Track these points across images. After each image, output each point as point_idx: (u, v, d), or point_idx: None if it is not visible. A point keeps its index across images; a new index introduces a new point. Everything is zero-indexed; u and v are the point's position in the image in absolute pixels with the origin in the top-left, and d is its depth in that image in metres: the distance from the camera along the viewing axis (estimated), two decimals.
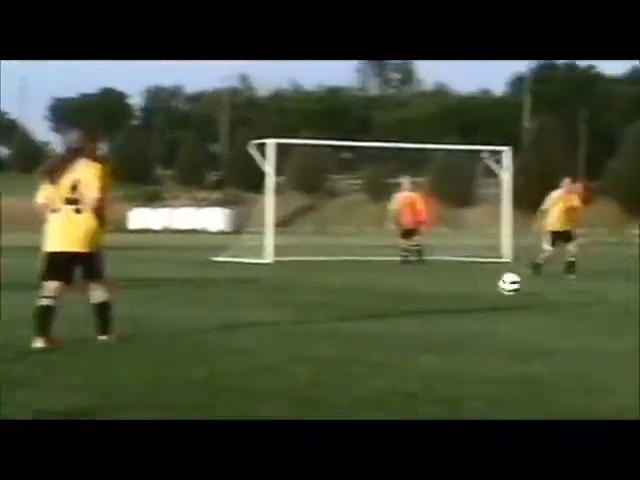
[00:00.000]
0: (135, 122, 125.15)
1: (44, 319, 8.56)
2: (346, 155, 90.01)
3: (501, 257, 28.11)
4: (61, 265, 8.74)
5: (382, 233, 44.77)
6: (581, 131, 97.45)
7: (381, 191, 54.55)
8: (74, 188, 8.75)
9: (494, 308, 12.34)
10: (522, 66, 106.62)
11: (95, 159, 8.97)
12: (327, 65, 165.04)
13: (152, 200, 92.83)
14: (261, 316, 10.97)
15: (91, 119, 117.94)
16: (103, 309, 8.78)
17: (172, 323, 10.17)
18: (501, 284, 15.02)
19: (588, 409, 5.76)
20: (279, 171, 30.62)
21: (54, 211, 8.81)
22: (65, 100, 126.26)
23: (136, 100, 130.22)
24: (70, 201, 8.76)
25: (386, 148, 43.49)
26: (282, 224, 50.52)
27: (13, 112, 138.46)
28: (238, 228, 63.97)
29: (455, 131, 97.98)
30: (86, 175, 8.77)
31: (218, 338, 8.99)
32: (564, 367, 7.34)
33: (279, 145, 29.31)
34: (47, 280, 8.75)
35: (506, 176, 30.25)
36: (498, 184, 31.71)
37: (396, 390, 6.28)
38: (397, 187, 29.69)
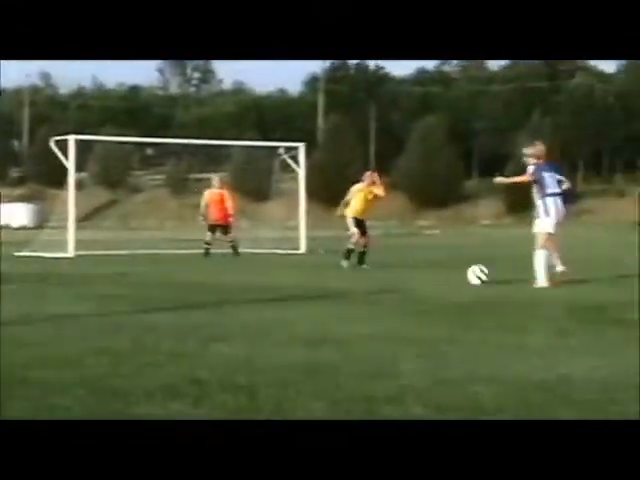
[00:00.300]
0: None
1: None
2: (148, 152, 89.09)
3: (298, 248, 28.38)
4: None
5: (184, 227, 44.51)
6: (371, 129, 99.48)
7: (182, 186, 54.26)
8: None
9: (289, 298, 12.37)
10: (316, 67, 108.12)
11: None
12: (128, 64, 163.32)
13: None
14: (62, 309, 10.69)
15: None
16: None
17: None
18: (475, 275, 14.67)
19: (372, 391, 5.81)
20: (81, 167, 30.05)
21: None
22: None
23: None
24: None
25: (187, 145, 43.25)
26: (84, 219, 49.55)
27: None
28: (40, 223, 62.44)
29: (253, 128, 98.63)
30: None
31: (18, 332, 8.68)
32: (353, 352, 7.41)
33: (81, 142, 28.81)
34: None
35: (301, 171, 30.60)
36: (295, 179, 32.02)
37: (188, 378, 6.20)
38: (202, 183, 29.63)
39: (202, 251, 25.67)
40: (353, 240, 20.57)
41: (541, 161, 14.52)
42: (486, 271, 14.73)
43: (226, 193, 27.14)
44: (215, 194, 26.88)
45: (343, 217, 20.90)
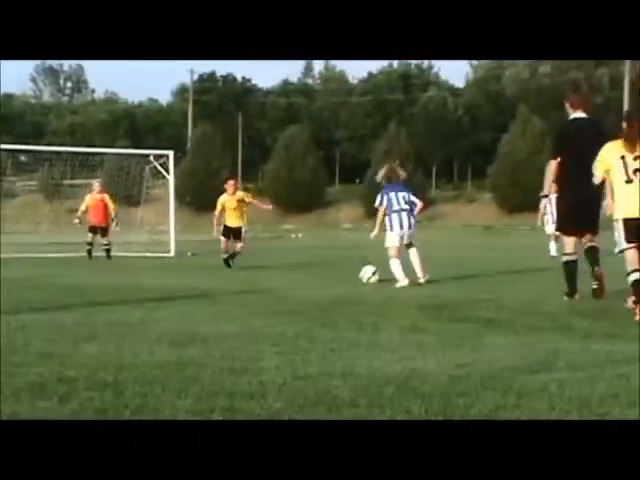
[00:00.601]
0: None
1: None
2: (22, 158, 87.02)
3: (168, 252, 28.17)
4: None
5: (57, 231, 43.61)
6: (239, 137, 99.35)
7: (56, 192, 53.20)
8: None
9: (157, 299, 12.26)
10: (184, 77, 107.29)
11: None
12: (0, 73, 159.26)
13: None
14: None
15: None
16: None
17: None
18: (365, 276, 15.51)
19: (235, 387, 5.81)
20: None
21: None
22: None
23: None
24: None
25: (60, 152, 42.52)
26: None
27: None
28: None
29: (125, 136, 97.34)
30: None
31: None
32: (218, 350, 7.40)
33: None
34: None
35: (171, 178, 30.43)
36: (165, 185, 31.79)
37: (57, 377, 6.10)
38: (75, 189, 29.26)
39: (74, 254, 25.34)
40: (223, 249, 20.84)
41: (393, 181, 15.82)
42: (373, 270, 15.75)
43: (106, 197, 27.04)
44: (96, 199, 27.00)
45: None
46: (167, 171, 30.29)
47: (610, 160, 9.84)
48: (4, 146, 45.46)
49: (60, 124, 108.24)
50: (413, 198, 15.76)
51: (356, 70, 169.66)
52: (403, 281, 14.87)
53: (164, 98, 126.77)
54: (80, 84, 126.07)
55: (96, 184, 27.95)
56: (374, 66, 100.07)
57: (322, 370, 6.38)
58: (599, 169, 10.01)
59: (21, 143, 56.39)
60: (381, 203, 15.66)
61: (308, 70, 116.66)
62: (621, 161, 9.73)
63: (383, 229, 15.62)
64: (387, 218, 15.55)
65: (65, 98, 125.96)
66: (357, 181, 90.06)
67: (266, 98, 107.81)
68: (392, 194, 15.58)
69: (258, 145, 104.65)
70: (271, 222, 75.52)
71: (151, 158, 31.09)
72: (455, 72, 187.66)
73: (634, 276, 9.83)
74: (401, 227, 15.43)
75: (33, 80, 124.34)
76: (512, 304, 11.22)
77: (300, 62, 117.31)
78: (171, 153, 30.44)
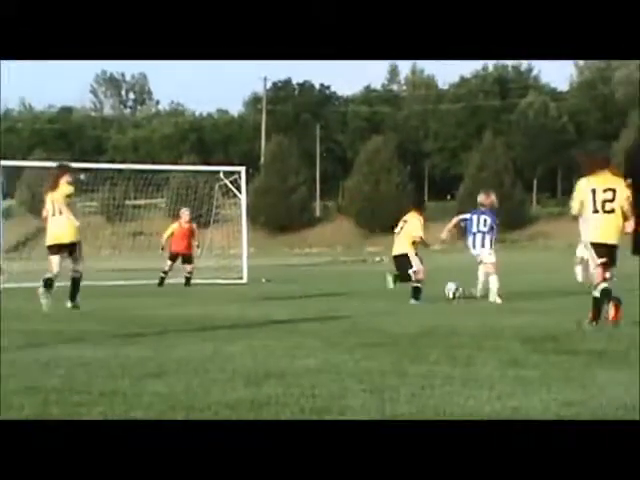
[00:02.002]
0: None
1: None
2: (81, 177, 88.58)
3: (241, 278, 28.38)
4: None
5: (120, 256, 44.28)
6: (317, 150, 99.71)
7: (117, 213, 53.95)
8: None
9: (229, 331, 12.38)
10: (257, 86, 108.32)
11: None
12: (58, 85, 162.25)
13: None
14: None
15: None
16: None
17: None
18: (450, 292, 19.10)
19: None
20: (9, 194, 29.76)
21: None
22: None
23: None
24: None
25: (122, 169, 43.14)
26: (13, 249, 49.08)
27: None
28: None
29: (192, 151, 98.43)
30: None
31: None
32: (298, 387, 7.43)
33: (8, 168, 28.58)
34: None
35: (243, 197, 30.56)
36: (236, 204, 32.02)
37: (121, 417, 6.19)
38: (139, 209, 29.60)
39: (144, 282, 25.73)
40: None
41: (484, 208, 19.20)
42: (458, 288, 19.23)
43: (194, 226, 27.97)
44: (183, 228, 27.57)
45: None
46: (239, 189, 30.53)
47: (584, 193, 12.88)
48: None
49: (122, 139, 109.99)
50: (493, 224, 19.05)
51: (447, 74, 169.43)
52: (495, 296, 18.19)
53: (235, 109, 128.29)
54: (143, 95, 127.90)
55: (186, 213, 28.26)
56: (466, 69, 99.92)
57: (412, 409, 6.38)
58: (575, 201, 13.13)
59: (80, 160, 57.42)
60: (464, 220, 19.48)
61: (393, 75, 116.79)
62: (591, 194, 12.76)
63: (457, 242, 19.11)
64: (468, 238, 19.20)
65: (127, 111, 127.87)
66: (448, 197, 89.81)
67: (347, 107, 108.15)
68: (475, 216, 19.03)
69: (338, 159, 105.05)
70: (352, 244, 75.65)
71: (221, 175, 31.35)
72: (558, 74, 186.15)
73: (602, 286, 12.66)
74: (474, 247, 18.92)
75: (93, 92, 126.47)
76: (626, 334, 11.09)
77: (384, 67, 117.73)
78: (243, 169, 30.68)
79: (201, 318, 14.76)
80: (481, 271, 19.09)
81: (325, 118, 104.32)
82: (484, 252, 18.78)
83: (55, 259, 16.60)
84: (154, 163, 69.52)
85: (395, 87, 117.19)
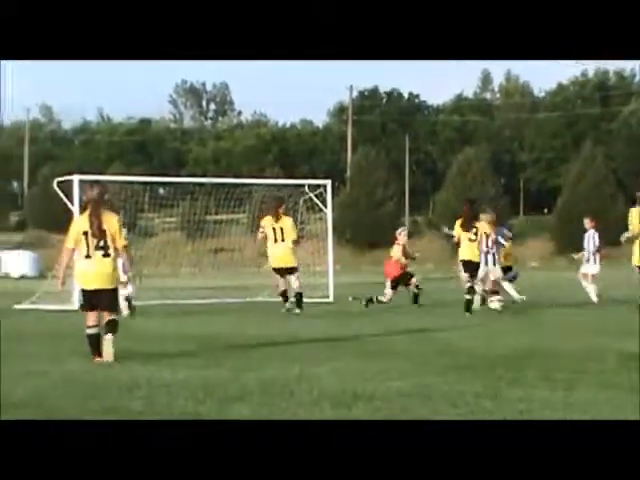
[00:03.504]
0: None
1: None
2: (160, 191, 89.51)
3: (327, 296, 28.38)
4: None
5: (201, 275, 44.65)
6: (405, 162, 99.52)
7: (198, 229, 54.42)
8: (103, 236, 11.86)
9: (315, 352, 12.43)
10: (343, 95, 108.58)
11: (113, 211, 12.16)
12: (137, 96, 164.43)
13: None
14: (58, 368, 10.79)
15: None
16: None
17: None
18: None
19: None
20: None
21: (87, 256, 11.89)
22: None
23: None
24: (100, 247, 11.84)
25: (202, 183, 43.49)
26: None
27: None
28: (43, 272, 62.67)
29: (276, 164, 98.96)
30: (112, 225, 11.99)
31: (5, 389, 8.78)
32: (388, 410, 7.44)
33: (86, 182, 28.91)
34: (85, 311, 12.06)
35: (329, 211, 30.52)
36: (322, 219, 32.06)
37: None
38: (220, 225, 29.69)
39: (226, 300, 25.75)
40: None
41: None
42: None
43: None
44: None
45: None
46: (324, 203, 30.58)
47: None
48: (141, 178, 47.07)
49: (203, 151, 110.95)
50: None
51: (543, 81, 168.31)
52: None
53: (320, 119, 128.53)
54: (225, 106, 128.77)
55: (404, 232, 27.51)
56: (564, 76, 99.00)
57: None
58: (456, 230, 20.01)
59: (159, 174, 57.97)
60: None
61: (486, 82, 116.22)
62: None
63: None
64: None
65: (208, 122, 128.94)
66: (545, 211, 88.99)
67: (437, 116, 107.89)
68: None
69: (427, 171, 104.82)
70: (443, 260, 75.31)
71: (306, 189, 31.43)
72: None
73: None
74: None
75: (173, 102, 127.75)
76: None
77: (476, 74, 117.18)
78: (329, 183, 30.72)
79: (286, 338, 14.85)
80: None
81: (414, 128, 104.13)
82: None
83: (278, 278, 21.86)
84: (236, 176, 69.99)
85: (488, 95, 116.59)
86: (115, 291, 12.20)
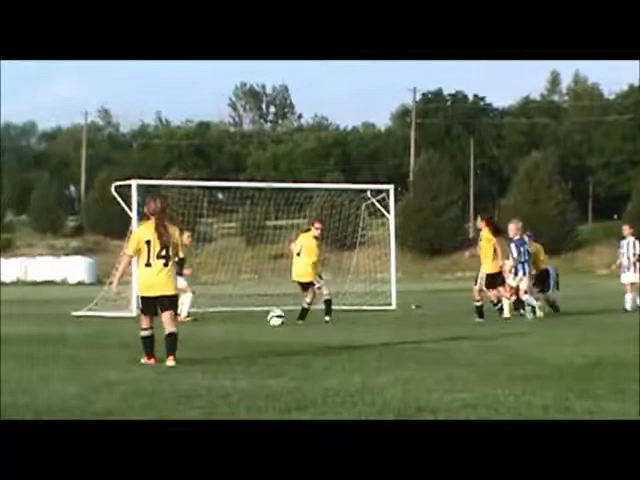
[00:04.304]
0: None
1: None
2: (219, 196, 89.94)
3: (389, 304, 28.36)
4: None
5: (260, 281, 44.80)
6: (470, 167, 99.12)
7: (257, 235, 54.55)
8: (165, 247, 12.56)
9: (378, 361, 12.44)
10: (406, 97, 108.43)
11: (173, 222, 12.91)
12: (196, 98, 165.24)
13: (4, 249, 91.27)
14: (125, 376, 10.89)
15: None
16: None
17: (29, 387, 10.00)
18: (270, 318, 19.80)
19: None
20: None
21: (148, 265, 12.52)
22: None
23: None
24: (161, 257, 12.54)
25: (262, 188, 43.60)
26: None
27: None
28: (100, 278, 63.24)
29: (337, 168, 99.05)
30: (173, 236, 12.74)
31: (72, 402, 8.88)
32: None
33: (145, 186, 29.13)
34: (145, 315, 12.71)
35: (391, 217, 30.50)
36: (384, 225, 32.04)
37: None
38: (280, 231, 29.73)
39: (288, 308, 25.79)
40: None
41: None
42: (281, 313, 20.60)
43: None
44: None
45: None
46: (387, 208, 30.57)
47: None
48: (200, 183, 47.35)
49: (262, 155, 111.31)
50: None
51: (613, 83, 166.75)
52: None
53: (382, 122, 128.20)
54: (285, 109, 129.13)
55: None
56: (634, 77, 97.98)
57: None
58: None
59: (218, 178, 58.20)
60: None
61: (554, 84, 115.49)
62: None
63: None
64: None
65: (268, 125, 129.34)
66: (615, 217, 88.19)
67: (503, 119, 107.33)
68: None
69: (493, 175, 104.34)
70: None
71: (368, 194, 31.43)
72: None
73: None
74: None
75: (232, 105, 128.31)
76: None
77: (544, 75, 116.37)
78: (391, 188, 30.72)
79: (348, 347, 14.86)
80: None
81: (479, 131, 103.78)
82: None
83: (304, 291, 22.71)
84: (296, 181, 70.08)
85: (556, 97, 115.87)
86: (175, 297, 12.95)
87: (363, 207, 32.25)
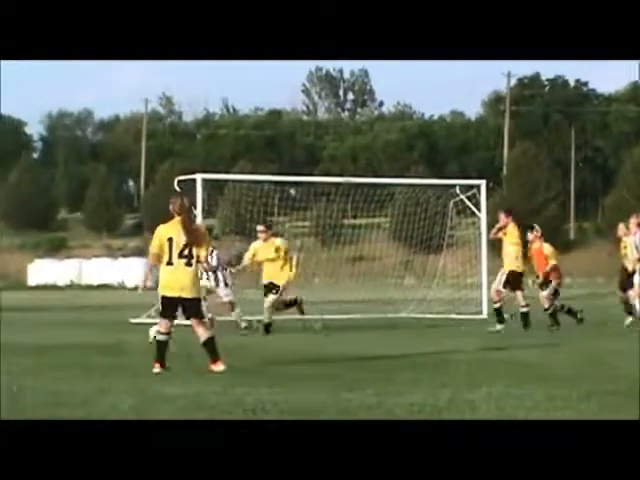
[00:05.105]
0: (34, 155, 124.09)
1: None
2: (292, 192, 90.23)
3: (480, 312, 28.21)
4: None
5: (337, 286, 44.83)
6: (571, 160, 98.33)
7: (334, 234, 54.57)
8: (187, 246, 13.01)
9: (467, 375, 12.43)
10: (499, 83, 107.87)
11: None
12: (266, 85, 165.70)
13: (56, 250, 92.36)
14: (184, 388, 10.99)
15: None
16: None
17: (86, 399, 10.15)
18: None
19: None
20: (211, 212, 30.50)
21: (169, 263, 12.99)
22: None
23: (35, 129, 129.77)
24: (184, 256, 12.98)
25: (339, 183, 43.59)
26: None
27: None
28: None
29: (422, 161, 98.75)
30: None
31: (129, 414, 8.99)
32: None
33: (210, 181, 29.26)
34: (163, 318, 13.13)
35: (483, 215, 30.26)
36: (474, 224, 31.88)
37: None
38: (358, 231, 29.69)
39: (367, 315, 25.87)
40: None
41: None
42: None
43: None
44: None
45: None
46: (477, 206, 30.40)
47: None
48: (270, 177, 47.55)
49: (339, 147, 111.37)
50: None
51: None
52: None
53: (472, 111, 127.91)
54: (364, 96, 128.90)
55: None
56: None
57: None
58: None
59: (291, 173, 58.23)
60: None
61: None
62: None
63: None
64: None
65: (345, 114, 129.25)
66: None
67: (609, 106, 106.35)
68: None
69: (597, 169, 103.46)
70: (614, 272, 74.22)
71: (457, 190, 31.28)
72: None
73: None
74: None
75: (306, 92, 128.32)
76: None
77: None
78: (483, 183, 30.56)
79: (433, 359, 14.85)
80: None
81: (582, 120, 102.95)
82: None
83: None
84: (376, 176, 70.01)
85: None
86: (197, 300, 13.33)
87: (451, 205, 32.11)
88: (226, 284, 21.80)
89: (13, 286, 63.57)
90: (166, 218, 13.71)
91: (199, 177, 27.86)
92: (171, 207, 13.51)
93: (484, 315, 27.94)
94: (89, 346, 17.84)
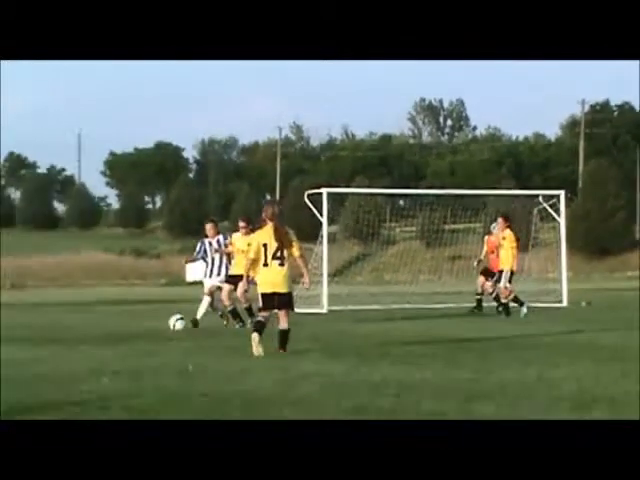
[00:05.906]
0: (190, 175, 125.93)
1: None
2: (400, 203, 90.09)
3: (560, 301, 27.93)
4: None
5: (438, 281, 44.65)
6: (636, 174, 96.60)
7: (436, 237, 54.26)
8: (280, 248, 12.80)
9: (552, 355, 12.19)
10: (574, 108, 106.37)
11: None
12: (378, 113, 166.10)
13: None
14: (320, 368, 10.93)
15: (147, 173, 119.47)
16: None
17: (233, 376, 10.14)
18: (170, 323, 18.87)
19: None
20: (333, 220, 30.56)
21: (265, 265, 12.78)
22: (120, 155, 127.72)
23: (190, 153, 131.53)
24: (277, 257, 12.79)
25: (440, 195, 43.41)
26: (338, 273, 50.48)
27: (70, 167, 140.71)
28: (294, 278, 63.90)
29: (509, 176, 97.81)
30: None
31: (274, 390, 8.95)
32: (629, 413, 7.19)
33: (333, 194, 29.39)
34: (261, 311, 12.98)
35: (562, 220, 30.16)
36: (555, 228, 31.56)
37: None
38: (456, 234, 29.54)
39: (464, 305, 25.63)
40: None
41: None
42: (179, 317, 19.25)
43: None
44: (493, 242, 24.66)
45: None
46: (557, 213, 30.05)
47: None
48: (383, 190, 47.51)
49: (440, 165, 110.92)
50: None
51: None
52: None
53: (552, 132, 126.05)
54: (461, 122, 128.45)
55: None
56: None
57: None
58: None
59: (400, 186, 58.22)
60: None
61: None
62: None
63: None
64: None
65: (445, 137, 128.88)
66: None
67: None
68: None
69: None
70: None
71: (540, 199, 30.96)
72: None
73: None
74: None
75: (412, 119, 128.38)
76: None
77: None
78: (562, 193, 30.17)
79: (523, 341, 14.63)
80: None
81: None
82: None
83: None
84: (471, 188, 69.65)
85: None
86: (289, 294, 13.12)
87: (535, 212, 31.85)
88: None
89: (175, 282, 64.39)
90: (260, 224, 13.45)
91: (325, 191, 28.01)
92: (263, 214, 13.23)
93: (564, 304, 27.58)
94: (232, 331, 17.92)
